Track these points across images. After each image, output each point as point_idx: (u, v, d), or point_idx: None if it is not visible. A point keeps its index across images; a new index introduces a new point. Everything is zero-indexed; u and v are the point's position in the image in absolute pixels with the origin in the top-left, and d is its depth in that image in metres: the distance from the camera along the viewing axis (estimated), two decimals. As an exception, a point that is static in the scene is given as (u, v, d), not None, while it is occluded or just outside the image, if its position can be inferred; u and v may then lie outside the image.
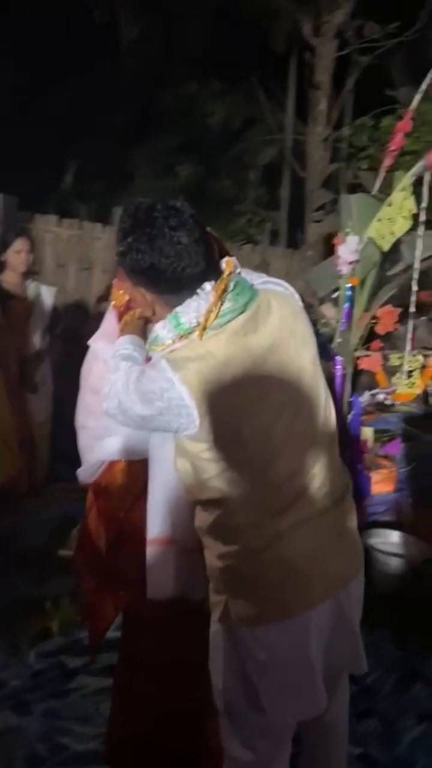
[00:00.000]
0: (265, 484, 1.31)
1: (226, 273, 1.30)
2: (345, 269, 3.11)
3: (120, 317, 1.56)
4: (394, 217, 3.00)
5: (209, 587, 1.44)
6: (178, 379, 1.22)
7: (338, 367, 3.10)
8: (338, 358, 3.14)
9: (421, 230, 3.11)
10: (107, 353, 1.51)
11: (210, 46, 10.06)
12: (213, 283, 1.28)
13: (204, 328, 1.26)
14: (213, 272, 1.29)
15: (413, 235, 3.16)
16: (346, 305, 3.19)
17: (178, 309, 1.28)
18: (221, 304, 1.26)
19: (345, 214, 3.20)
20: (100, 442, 1.56)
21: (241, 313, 1.28)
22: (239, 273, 1.34)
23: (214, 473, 1.30)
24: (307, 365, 1.36)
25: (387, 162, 3.17)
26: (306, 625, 1.32)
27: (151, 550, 1.55)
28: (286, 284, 1.46)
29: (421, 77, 3.38)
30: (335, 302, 3.48)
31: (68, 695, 2.35)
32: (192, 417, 1.24)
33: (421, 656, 2.55)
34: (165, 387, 1.24)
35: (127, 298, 1.54)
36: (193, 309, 1.26)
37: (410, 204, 3.02)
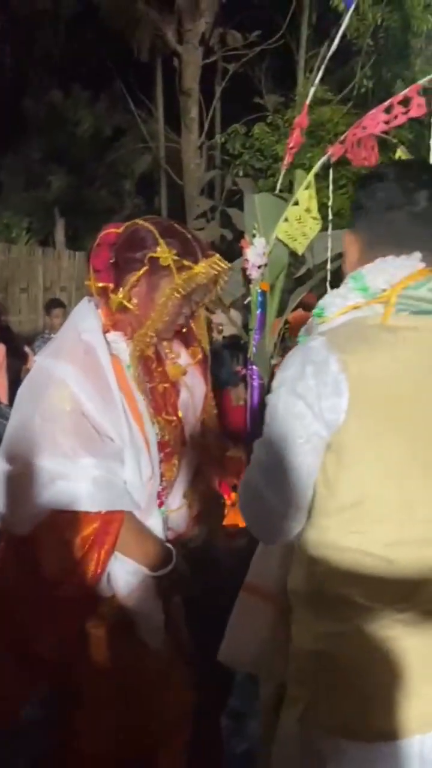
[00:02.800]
0: (396, 550, 0.96)
1: None
2: (255, 273, 2.93)
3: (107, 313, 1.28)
4: (302, 217, 2.86)
5: (288, 674, 1.06)
6: (336, 362, 0.90)
7: (254, 377, 2.91)
8: (254, 368, 2.96)
9: (329, 230, 3.00)
10: (66, 373, 1.21)
11: (71, 53, 9.70)
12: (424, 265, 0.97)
13: (391, 303, 0.91)
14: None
15: (317, 235, 3.05)
16: (258, 311, 3.01)
17: (365, 269, 0.97)
18: (425, 282, 0.94)
19: (249, 215, 3.04)
20: (49, 487, 1.20)
21: None
22: None
23: (331, 511, 0.95)
24: None
25: (287, 159, 3.03)
26: (419, 752, 0.97)
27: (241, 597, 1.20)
28: None
29: (288, 84, 3.31)
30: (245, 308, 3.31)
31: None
32: (336, 419, 0.91)
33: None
34: (315, 368, 0.92)
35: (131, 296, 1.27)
36: (385, 272, 0.94)
37: (314, 204, 2.91)
